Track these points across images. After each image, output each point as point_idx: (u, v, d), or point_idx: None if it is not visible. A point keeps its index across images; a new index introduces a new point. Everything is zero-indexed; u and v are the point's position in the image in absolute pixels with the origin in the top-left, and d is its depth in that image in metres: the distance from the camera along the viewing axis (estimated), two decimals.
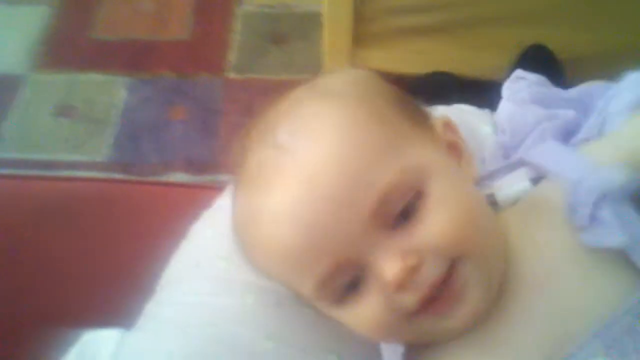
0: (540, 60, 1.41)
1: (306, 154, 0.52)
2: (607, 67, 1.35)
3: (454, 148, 0.59)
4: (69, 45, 1.88)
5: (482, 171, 0.66)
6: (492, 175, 0.65)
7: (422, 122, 0.58)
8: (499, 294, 0.55)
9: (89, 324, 0.70)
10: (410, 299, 0.51)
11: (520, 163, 0.64)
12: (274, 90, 1.77)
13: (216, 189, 0.89)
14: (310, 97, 0.57)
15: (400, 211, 0.51)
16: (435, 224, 0.51)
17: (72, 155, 1.67)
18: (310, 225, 0.51)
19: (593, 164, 0.56)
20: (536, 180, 0.62)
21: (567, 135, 0.66)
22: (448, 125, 0.60)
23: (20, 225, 0.91)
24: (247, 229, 0.57)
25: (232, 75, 1.78)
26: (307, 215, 0.51)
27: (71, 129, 1.71)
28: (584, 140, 0.64)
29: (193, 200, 0.90)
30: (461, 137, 0.61)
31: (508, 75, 1.40)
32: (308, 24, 1.84)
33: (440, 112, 0.76)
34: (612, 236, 0.52)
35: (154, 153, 1.66)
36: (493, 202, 0.61)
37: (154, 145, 1.68)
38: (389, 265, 0.50)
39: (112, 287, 0.83)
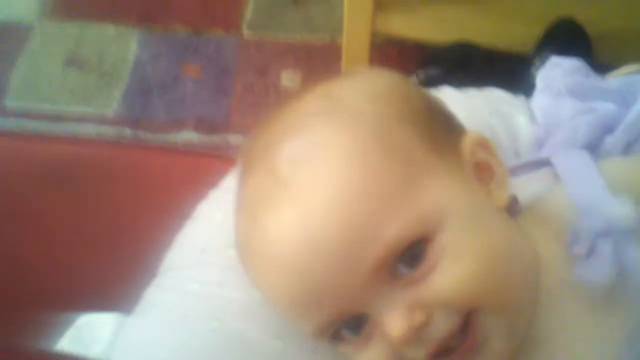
0: (569, 34, 1.35)
1: (305, 192, 0.47)
2: (638, 43, 1.31)
3: (485, 169, 0.53)
4: None
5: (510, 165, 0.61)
6: (515, 171, 0.60)
7: (447, 145, 0.52)
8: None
9: (87, 302, 0.67)
10: (418, 353, 0.47)
11: (546, 162, 0.59)
12: (290, 51, 1.73)
13: (225, 159, 0.86)
14: (321, 114, 0.51)
15: (407, 260, 0.46)
16: (447, 277, 0.46)
17: (80, 107, 1.63)
18: (303, 275, 0.46)
19: (608, 191, 0.51)
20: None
21: (605, 130, 0.61)
22: (480, 143, 0.54)
23: (21, 189, 0.88)
24: (244, 256, 0.53)
25: (247, 33, 1.72)
26: (300, 264, 0.46)
27: (80, 80, 1.67)
28: (621, 139, 0.59)
29: (202, 170, 0.87)
30: (495, 154, 0.55)
31: (534, 49, 1.37)
32: None
33: (473, 103, 0.71)
34: (602, 273, 0.48)
35: (164, 110, 1.62)
36: (515, 203, 0.55)
37: (165, 102, 1.63)
38: (394, 322, 0.46)
39: (112, 261, 0.80)
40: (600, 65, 0.76)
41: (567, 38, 1.35)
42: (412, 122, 0.51)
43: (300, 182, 0.47)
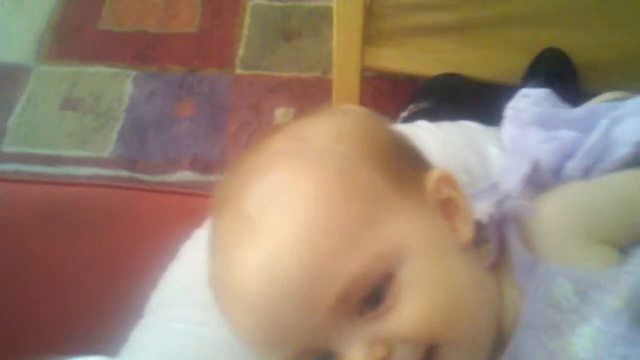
0: (555, 64, 1.37)
1: (269, 234, 0.48)
2: (624, 72, 1.33)
3: (450, 205, 0.54)
4: (76, 36, 1.84)
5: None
6: (477, 196, 0.60)
7: (412, 183, 0.53)
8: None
9: (85, 344, 0.67)
10: None
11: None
12: (283, 87, 1.75)
13: None
14: (287, 155, 0.53)
15: (368, 296, 0.48)
16: (407, 312, 0.47)
17: (77, 150, 1.64)
18: (267, 312, 0.48)
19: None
20: None
21: (566, 156, 0.62)
22: (444, 179, 0.55)
23: (18, 232, 0.88)
24: (216, 294, 0.54)
25: (240, 70, 1.75)
26: (264, 303, 0.48)
27: (77, 122, 1.69)
28: (581, 164, 0.60)
29: (196, 210, 0.88)
30: (459, 190, 0.55)
31: (521, 79, 1.38)
32: (318, 19, 1.80)
33: (448, 136, 0.72)
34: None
35: (160, 149, 1.64)
36: (481, 226, 0.56)
37: (160, 142, 1.65)
38: (355, 357, 0.47)
39: (110, 303, 0.80)
40: (587, 95, 0.77)
41: (554, 68, 1.37)
42: (377, 161, 0.52)
43: (265, 223, 0.49)
